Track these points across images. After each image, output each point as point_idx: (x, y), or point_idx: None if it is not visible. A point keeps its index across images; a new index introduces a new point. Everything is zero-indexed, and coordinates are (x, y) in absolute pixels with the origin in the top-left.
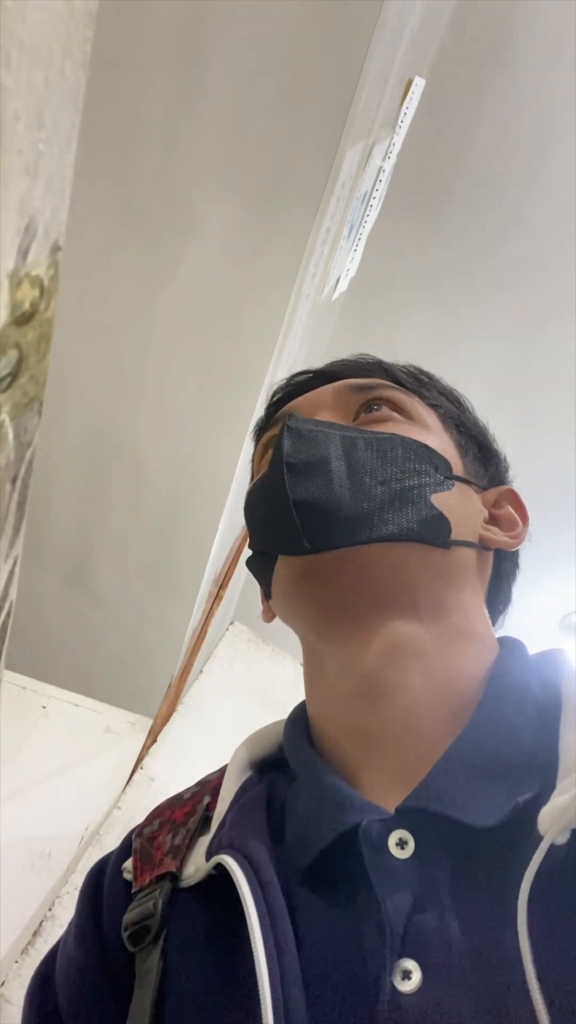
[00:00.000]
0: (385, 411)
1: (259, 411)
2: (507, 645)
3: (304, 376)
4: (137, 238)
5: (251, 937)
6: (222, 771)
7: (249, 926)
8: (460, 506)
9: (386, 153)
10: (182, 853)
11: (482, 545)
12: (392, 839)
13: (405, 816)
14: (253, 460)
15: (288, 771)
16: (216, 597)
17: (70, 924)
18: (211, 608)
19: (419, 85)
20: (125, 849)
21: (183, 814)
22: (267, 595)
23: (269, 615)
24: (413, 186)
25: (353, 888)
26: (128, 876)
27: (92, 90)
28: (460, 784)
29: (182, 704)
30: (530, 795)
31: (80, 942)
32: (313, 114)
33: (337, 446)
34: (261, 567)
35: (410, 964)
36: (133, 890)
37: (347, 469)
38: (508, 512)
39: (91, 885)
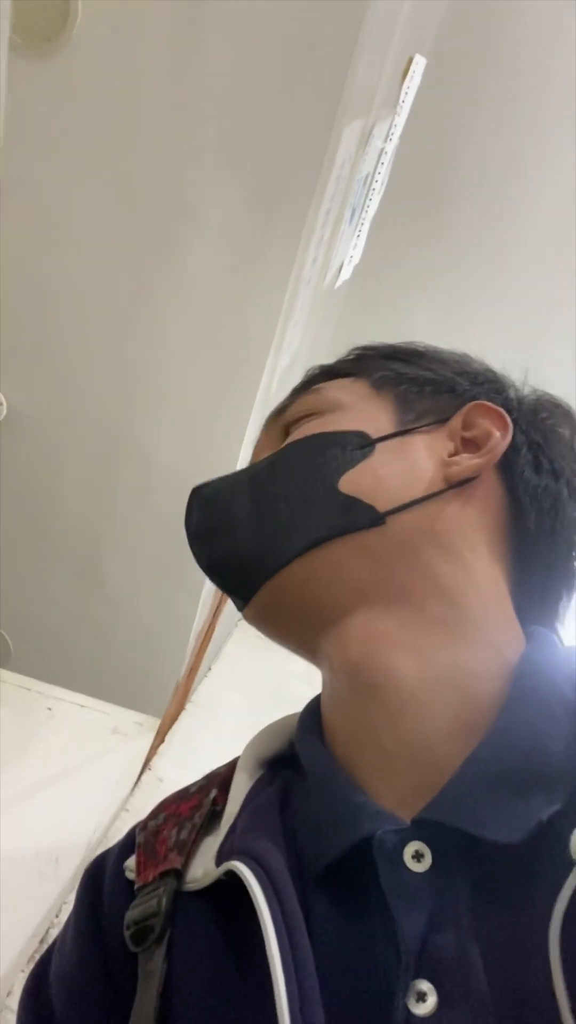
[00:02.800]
0: (300, 423)
1: (259, 399)
2: (536, 637)
3: (268, 418)
4: (137, 229)
5: (268, 953)
6: (231, 765)
7: (266, 940)
8: (392, 467)
9: (387, 134)
10: (187, 849)
11: (449, 486)
12: (408, 851)
13: (422, 828)
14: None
15: (298, 767)
16: (223, 594)
17: (66, 924)
18: (219, 605)
19: (420, 64)
20: (127, 844)
21: (189, 808)
22: None
23: None
24: (417, 169)
25: (367, 899)
26: (130, 875)
27: (90, 81)
28: (481, 796)
29: (191, 703)
30: (556, 809)
31: (78, 942)
32: (307, 89)
33: (244, 490)
34: None
35: (425, 986)
36: (136, 886)
37: (252, 507)
38: (483, 427)
39: (89, 882)
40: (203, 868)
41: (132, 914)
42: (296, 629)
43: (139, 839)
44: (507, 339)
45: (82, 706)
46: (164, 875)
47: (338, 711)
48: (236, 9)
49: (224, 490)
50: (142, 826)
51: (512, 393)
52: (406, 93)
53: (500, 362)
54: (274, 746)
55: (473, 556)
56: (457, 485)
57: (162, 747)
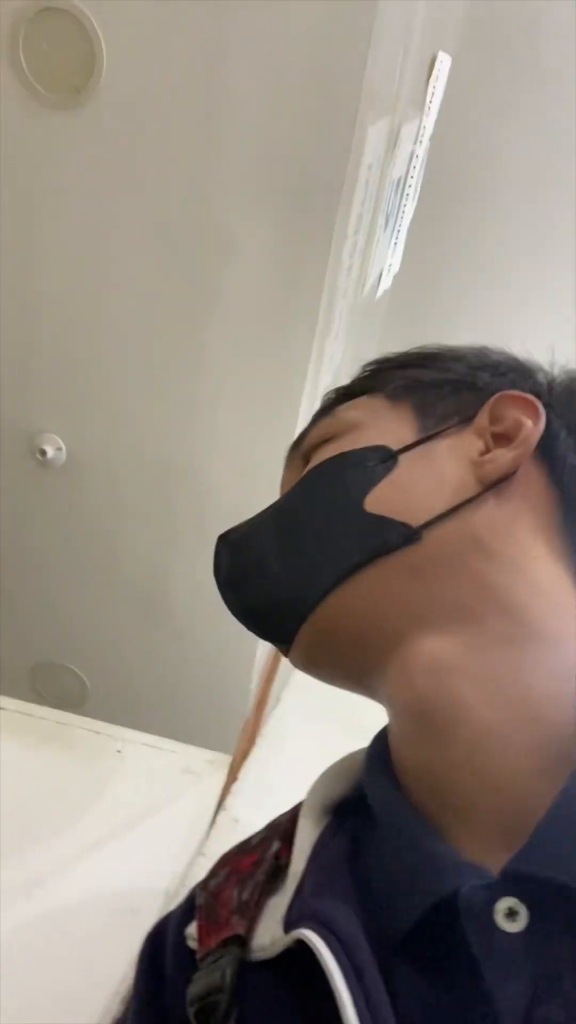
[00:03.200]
0: (319, 450)
1: (301, 420)
2: None
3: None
4: (175, 266)
5: None
6: (292, 812)
7: (344, 1017)
8: (420, 478)
9: (417, 136)
10: (251, 912)
11: (485, 487)
12: (500, 909)
13: (513, 881)
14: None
15: (367, 813)
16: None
17: (127, 1000)
18: None
19: (444, 62)
20: (187, 907)
21: (250, 864)
22: None
23: None
24: (452, 171)
25: (456, 966)
26: (192, 943)
27: (121, 125)
28: None
29: (261, 737)
30: None
31: (141, 1021)
32: (327, 89)
33: (269, 528)
34: None
35: None
36: (198, 956)
37: (279, 544)
38: (512, 417)
39: (149, 953)
40: (270, 935)
41: (195, 989)
42: (348, 667)
43: (199, 901)
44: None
45: (152, 747)
46: (227, 942)
47: (407, 750)
48: (254, 27)
49: (251, 532)
50: (202, 886)
51: (541, 377)
52: (433, 93)
53: (551, 363)
54: (339, 789)
55: (528, 558)
56: (493, 485)
57: (235, 785)
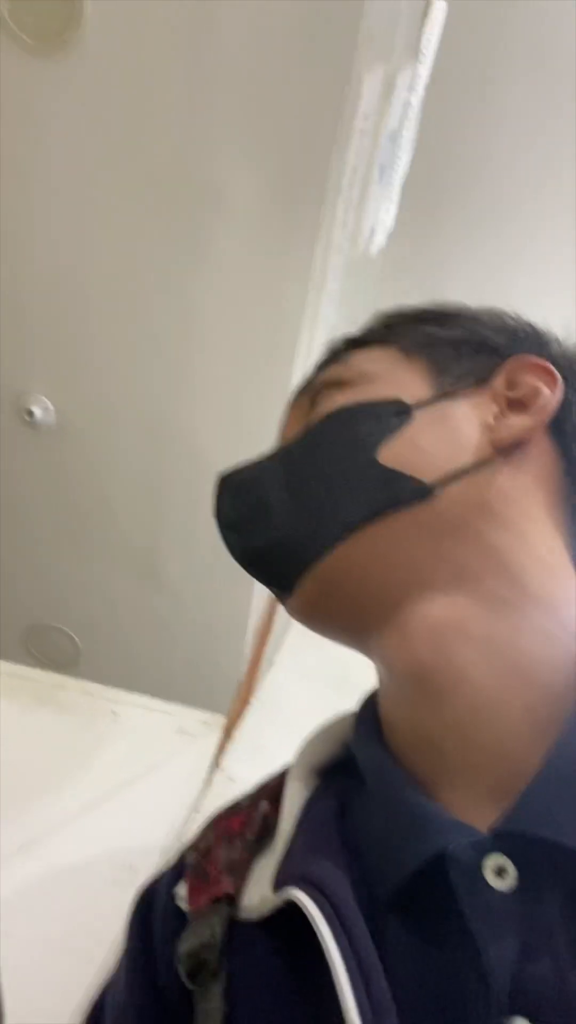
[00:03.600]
0: (326, 394)
1: (296, 379)
2: None
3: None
4: (163, 220)
5: (339, 993)
6: (281, 774)
7: (335, 980)
8: (434, 436)
9: (411, 84)
10: (240, 870)
11: (498, 451)
12: (488, 866)
13: (502, 839)
14: None
15: (355, 774)
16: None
17: (118, 960)
18: None
19: (440, 9)
20: (177, 868)
21: (239, 824)
22: None
23: None
24: (445, 122)
25: (446, 923)
26: (182, 903)
27: (106, 73)
28: (567, 801)
29: (255, 698)
30: None
31: (131, 980)
32: (321, 33)
33: (276, 473)
34: None
35: None
36: (188, 915)
37: (286, 490)
38: (529, 384)
39: (139, 912)
40: (259, 894)
41: (185, 945)
42: (347, 621)
43: (189, 859)
44: (555, 296)
45: (146, 708)
46: (217, 901)
47: (399, 711)
48: None
49: (255, 475)
50: (192, 846)
51: (556, 347)
52: (428, 40)
53: (547, 321)
54: (327, 751)
55: (531, 527)
56: (506, 450)
57: (230, 745)
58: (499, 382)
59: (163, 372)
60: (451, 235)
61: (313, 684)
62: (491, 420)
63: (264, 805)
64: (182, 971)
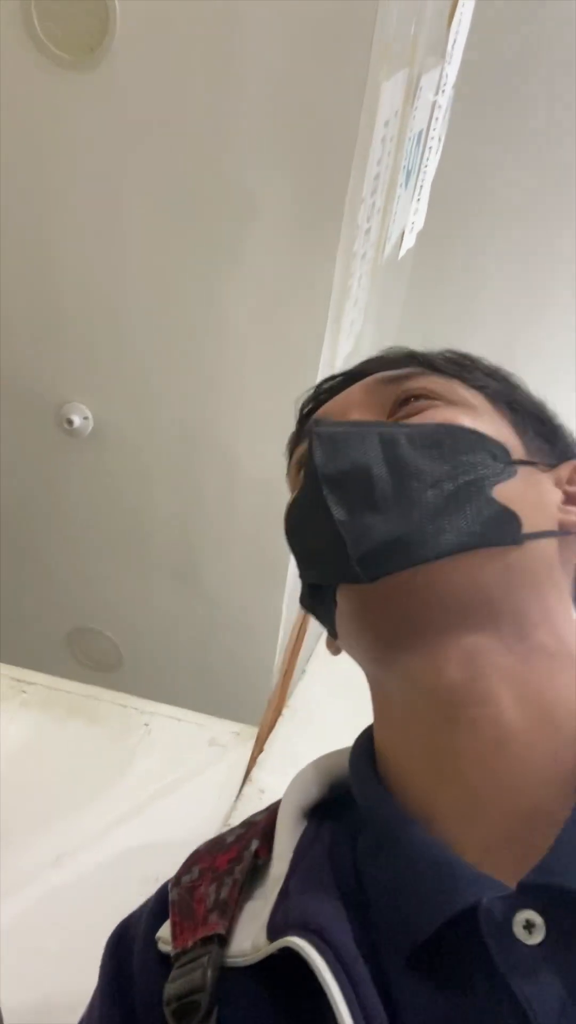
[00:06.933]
0: (424, 402)
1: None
2: None
3: (332, 381)
4: (195, 228)
5: None
6: (268, 813)
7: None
8: (528, 493)
9: (439, 86)
10: (231, 911)
11: (562, 531)
12: (518, 921)
13: (532, 894)
14: (288, 478)
15: (344, 818)
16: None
17: (91, 1004)
18: None
19: (467, 5)
20: (158, 907)
21: (227, 861)
22: (331, 634)
23: (335, 648)
24: (477, 119)
25: (472, 977)
26: (165, 948)
27: (136, 85)
28: None
29: (287, 708)
30: None
31: (104, 1020)
32: (337, 46)
33: (376, 448)
34: (318, 603)
35: None
36: (173, 953)
37: (391, 474)
38: None
39: (114, 954)
40: (251, 940)
41: (173, 987)
42: (405, 627)
43: (172, 896)
44: None
45: (179, 719)
46: (207, 941)
47: (417, 739)
48: None
49: (353, 439)
50: (174, 881)
51: None
52: (455, 39)
53: None
54: (315, 793)
55: (567, 595)
56: (567, 530)
57: (261, 756)
58: (564, 474)
59: (197, 380)
60: (482, 230)
61: (345, 695)
62: (559, 502)
63: (255, 843)
64: (168, 1012)
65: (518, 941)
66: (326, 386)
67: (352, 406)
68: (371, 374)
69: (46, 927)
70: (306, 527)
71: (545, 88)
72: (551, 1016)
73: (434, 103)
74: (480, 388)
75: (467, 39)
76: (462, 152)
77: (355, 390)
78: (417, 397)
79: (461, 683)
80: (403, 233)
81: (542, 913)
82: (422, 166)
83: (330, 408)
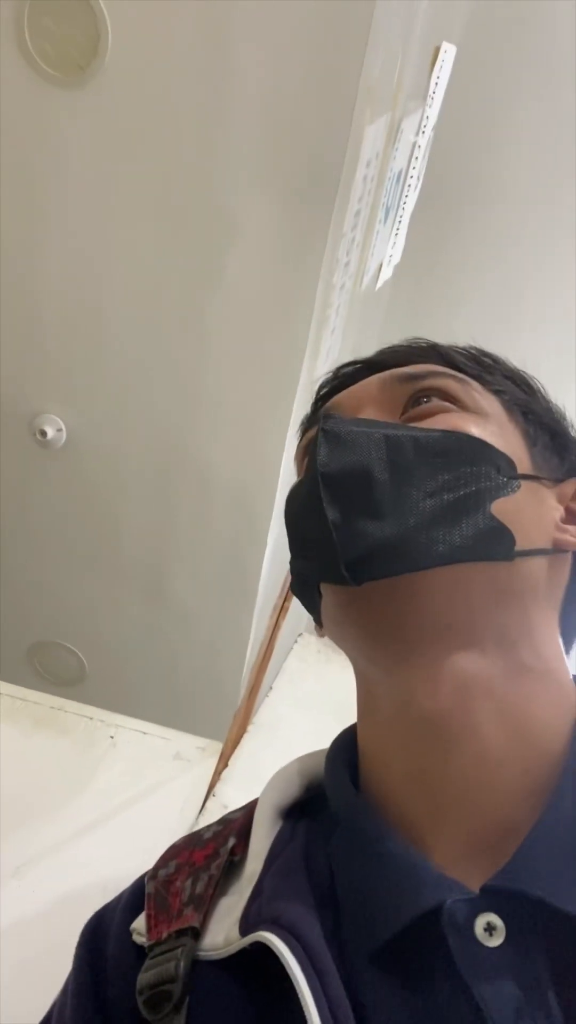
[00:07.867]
0: (436, 402)
1: (296, 410)
2: None
3: (351, 367)
4: (180, 245)
5: None
6: (246, 811)
7: (308, 1018)
8: (527, 509)
9: (419, 127)
10: (205, 905)
11: (556, 549)
12: (479, 923)
13: (493, 898)
14: (296, 459)
15: (320, 818)
16: (282, 608)
17: (63, 990)
18: (277, 621)
19: (449, 52)
20: (133, 900)
21: (204, 857)
22: (316, 621)
23: (322, 631)
24: (455, 161)
25: (433, 977)
26: (140, 939)
27: (127, 103)
28: (560, 865)
29: (252, 724)
30: None
31: (78, 1012)
32: (325, 90)
33: (381, 450)
34: (304, 591)
35: None
36: (147, 945)
37: (391, 479)
38: None
39: (89, 944)
40: (224, 934)
41: (146, 977)
42: (389, 632)
43: (149, 889)
44: (557, 329)
45: (144, 733)
46: (181, 933)
47: (400, 751)
48: (257, 15)
49: (359, 440)
50: (151, 875)
51: None
52: (436, 83)
53: (558, 356)
54: (291, 793)
55: (552, 614)
56: (562, 549)
57: (225, 772)
58: (568, 490)
59: (173, 394)
60: (457, 267)
61: (311, 712)
62: (559, 520)
63: (231, 840)
64: (141, 1002)
65: (479, 943)
66: (345, 371)
67: (366, 402)
68: (392, 364)
69: (6, 937)
70: (302, 519)
71: (527, 108)
72: (507, 1017)
73: (414, 144)
74: (497, 392)
75: (447, 83)
76: (439, 182)
77: (371, 384)
78: (431, 397)
79: (450, 706)
80: (380, 266)
81: (503, 916)
82: (401, 203)
83: (344, 400)
